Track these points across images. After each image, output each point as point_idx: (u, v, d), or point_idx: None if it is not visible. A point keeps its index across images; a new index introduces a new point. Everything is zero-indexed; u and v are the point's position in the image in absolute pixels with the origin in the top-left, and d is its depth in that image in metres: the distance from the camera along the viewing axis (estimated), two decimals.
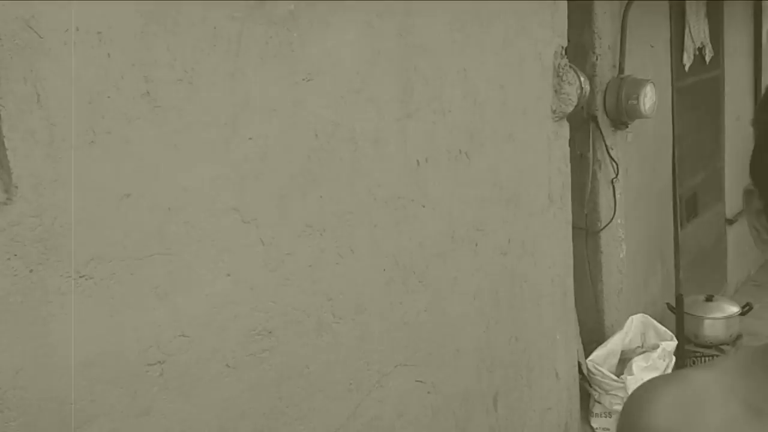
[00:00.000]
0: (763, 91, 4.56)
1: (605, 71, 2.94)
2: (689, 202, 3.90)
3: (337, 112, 1.65)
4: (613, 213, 3.06)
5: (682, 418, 0.68)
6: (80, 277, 1.18)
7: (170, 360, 1.33)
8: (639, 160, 3.34)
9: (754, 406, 0.66)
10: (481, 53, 2.12)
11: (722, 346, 3.38)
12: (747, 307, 3.43)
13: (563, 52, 2.40)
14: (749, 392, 0.67)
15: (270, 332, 1.53)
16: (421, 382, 1.99)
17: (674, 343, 2.92)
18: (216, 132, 1.37)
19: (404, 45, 1.83)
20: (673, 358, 2.93)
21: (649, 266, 3.57)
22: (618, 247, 3.18)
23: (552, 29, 2.38)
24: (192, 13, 1.33)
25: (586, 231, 3.07)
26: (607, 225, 3.05)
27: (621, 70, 2.98)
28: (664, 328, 3.00)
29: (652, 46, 3.31)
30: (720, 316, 3.34)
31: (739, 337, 3.47)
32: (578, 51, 2.85)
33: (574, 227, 3.06)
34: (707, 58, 3.89)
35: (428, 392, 2.02)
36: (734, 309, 3.38)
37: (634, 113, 2.89)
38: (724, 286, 4.42)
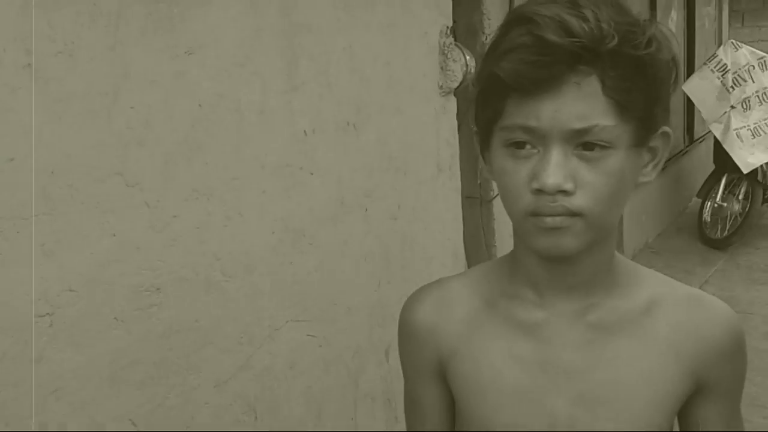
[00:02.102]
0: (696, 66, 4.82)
1: None
2: None
3: (220, 84, 1.77)
4: None
5: (438, 313, 0.87)
6: None
7: (59, 312, 1.45)
8: None
9: (489, 301, 0.85)
10: (366, 32, 2.27)
11: None
12: None
13: (448, 32, 2.58)
14: (486, 291, 0.86)
15: (158, 289, 1.65)
16: (312, 336, 2.15)
17: None
18: (97, 101, 1.47)
19: (288, 23, 1.96)
20: None
21: None
22: None
23: (437, 10, 2.55)
24: None
25: (480, 200, 3.28)
26: (498, 194, 3.26)
27: None
28: None
29: None
30: None
31: None
32: (469, 31, 3.04)
33: (468, 196, 3.27)
34: None
35: (320, 345, 2.18)
36: None
37: None
38: (621, 253, 4.74)
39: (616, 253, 0.87)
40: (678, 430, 0.90)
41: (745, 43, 10.85)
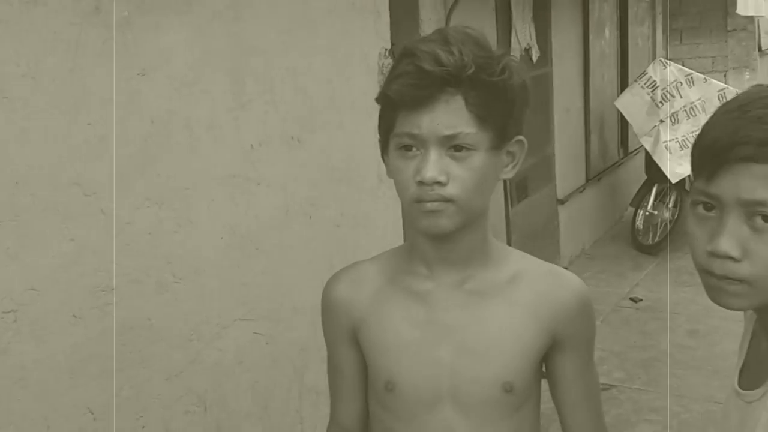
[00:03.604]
0: (591, 85, 5.17)
1: None
2: (520, 185, 4.43)
3: (171, 102, 1.94)
4: None
5: (351, 290, 1.08)
6: None
7: (22, 309, 1.59)
8: None
9: (392, 277, 1.06)
10: (309, 54, 2.47)
11: None
12: None
13: (386, 53, 2.79)
14: (390, 270, 1.07)
15: (113, 289, 1.81)
16: (259, 334, 2.32)
17: None
18: (58, 119, 1.63)
19: (235, 45, 2.14)
20: None
21: None
22: None
23: (375, 33, 2.76)
24: (35, 20, 1.59)
25: None
26: None
27: None
28: None
29: None
30: None
31: None
32: None
33: None
34: (534, 58, 4.43)
35: (266, 343, 2.35)
36: None
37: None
38: (558, 259, 5.01)
39: (489, 236, 1.08)
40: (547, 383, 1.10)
41: (684, 60, 11.35)
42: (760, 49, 11.76)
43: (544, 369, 1.09)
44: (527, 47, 4.32)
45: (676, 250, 5.50)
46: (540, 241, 4.69)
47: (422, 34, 3.30)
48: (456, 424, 1.02)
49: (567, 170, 5.17)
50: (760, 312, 0.91)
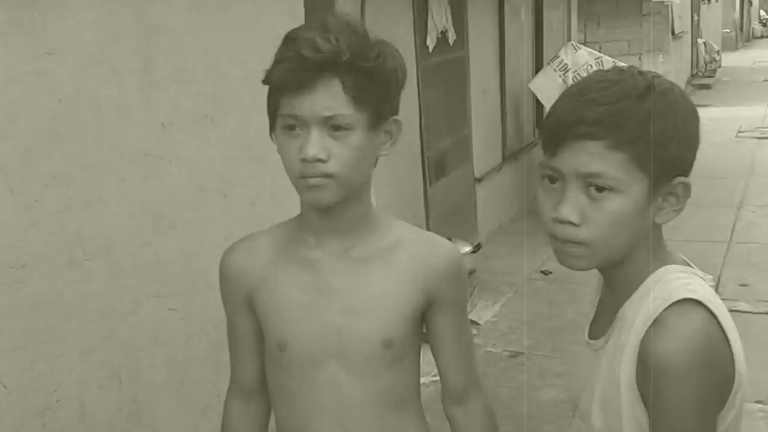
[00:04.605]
0: (507, 68, 5.35)
1: None
2: (438, 164, 4.57)
3: (79, 81, 1.96)
4: None
5: (245, 258, 1.17)
6: None
7: None
8: None
9: (285, 247, 1.16)
10: (222, 34, 2.50)
11: None
12: (477, 247, 4.16)
13: None
14: (283, 240, 1.16)
15: (23, 266, 1.83)
16: (174, 310, 2.37)
17: None
18: None
19: (143, 25, 2.16)
20: None
21: (401, 217, 4.16)
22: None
23: (289, 14, 2.81)
24: None
25: None
26: None
27: None
28: None
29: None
30: None
31: (472, 271, 4.19)
32: None
33: None
34: (450, 41, 4.55)
35: (181, 319, 2.40)
36: (467, 248, 4.08)
37: None
38: (475, 235, 5.19)
39: (373, 207, 1.18)
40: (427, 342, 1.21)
41: (601, 43, 11.73)
42: (673, 33, 12.33)
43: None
44: (444, 30, 4.44)
45: None
46: (458, 217, 4.85)
47: (336, 11, 3.37)
48: (341, 378, 1.12)
49: (484, 150, 5.35)
50: (602, 271, 1.04)
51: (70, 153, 1.94)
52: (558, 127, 0.95)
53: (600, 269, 1.04)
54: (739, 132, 9.47)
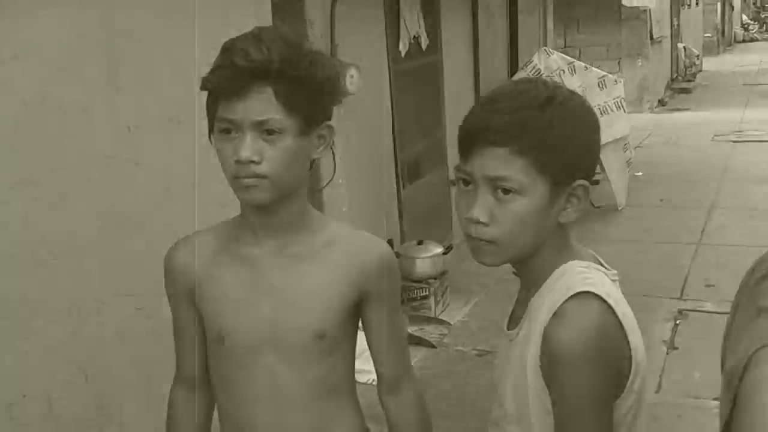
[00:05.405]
0: (482, 72, 5.43)
1: None
2: (412, 166, 4.65)
3: (45, 86, 2.02)
4: (332, 174, 3.67)
5: (188, 256, 1.24)
6: None
7: None
8: (359, 131, 3.97)
9: (225, 245, 1.23)
10: (188, 38, 2.56)
11: (430, 280, 4.17)
12: (449, 248, 4.24)
13: None
14: (224, 238, 1.24)
15: None
16: (140, 309, 2.43)
17: None
18: None
19: (109, 30, 2.23)
20: None
21: (374, 219, 4.24)
22: (341, 202, 3.81)
23: (256, 19, 2.88)
24: None
25: (311, 189, 3.65)
26: (327, 183, 3.65)
27: (333, 55, 3.58)
28: None
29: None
30: (427, 255, 4.10)
31: (444, 272, 4.28)
32: None
33: None
34: (423, 46, 4.64)
35: (148, 318, 2.46)
36: (438, 250, 4.16)
37: (343, 91, 3.50)
38: (450, 236, 5.27)
39: (309, 207, 1.25)
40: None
41: (581, 47, 11.82)
42: (651, 37, 12.50)
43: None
44: (416, 35, 4.53)
45: None
46: (432, 219, 4.93)
47: (307, 19, 3.44)
48: (277, 367, 1.19)
49: (457, 153, 5.43)
50: (514, 266, 1.12)
51: (36, 156, 2.00)
52: (468, 134, 1.03)
53: (513, 265, 1.12)
54: (716, 135, 9.61)
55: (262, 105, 1.10)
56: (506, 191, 1.01)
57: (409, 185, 4.60)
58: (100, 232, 2.24)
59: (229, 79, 1.10)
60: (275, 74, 1.10)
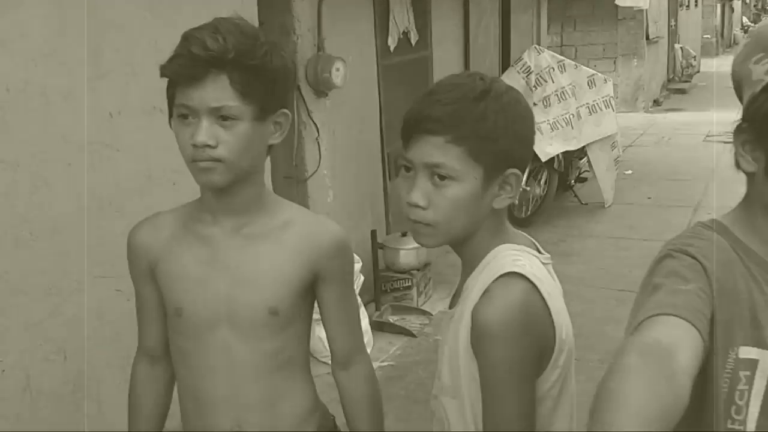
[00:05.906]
0: (472, 69, 5.50)
1: (306, 50, 3.58)
2: (399, 160, 4.71)
3: (28, 72, 2.09)
4: (317, 165, 3.73)
5: (149, 235, 1.31)
6: None
7: None
8: (346, 124, 4.04)
9: (186, 224, 1.29)
10: (173, 29, 2.62)
11: (413, 272, 4.23)
12: None
13: None
14: (185, 219, 1.30)
15: None
16: (120, 291, 2.49)
17: (359, 264, 3.66)
18: None
19: (94, 20, 2.29)
20: (361, 277, 3.70)
21: (359, 211, 4.31)
22: (325, 193, 3.88)
23: (242, 11, 2.93)
24: None
25: (296, 180, 3.72)
26: (312, 175, 3.72)
27: (321, 49, 3.64)
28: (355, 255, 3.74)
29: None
30: (410, 247, 4.17)
31: (427, 264, 4.34)
32: (282, 32, 3.46)
33: (284, 177, 3.70)
34: (413, 41, 4.70)
35: (128, 300, 2.51)
36: None
37: (329, 84, 3.57)
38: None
39: (267, 190, 1.32)
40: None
41: (577, 46, 11.85)
42: (647, 37, 12.54)
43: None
44: (405, 31, 4.58)
45: (546, 223, 5.95)
46: None
47: (294, 13, 3.50)
48: (232, 342, 1.26)
49: None
50: (453, 248, 1.19)
51: (18, 139, 2.07)
52: (409, 123, 1.10)
53: (452, 247, 1.18)
54: (707, 136, 9.68)
55: (217, 92, 1.17)
56: (442, 177, 1.08)
57: (395, 178, 4.67)
58: (79, 214, 2.31)
59: (186, 67, 1.16)
60: (231, 63, 1.16)
